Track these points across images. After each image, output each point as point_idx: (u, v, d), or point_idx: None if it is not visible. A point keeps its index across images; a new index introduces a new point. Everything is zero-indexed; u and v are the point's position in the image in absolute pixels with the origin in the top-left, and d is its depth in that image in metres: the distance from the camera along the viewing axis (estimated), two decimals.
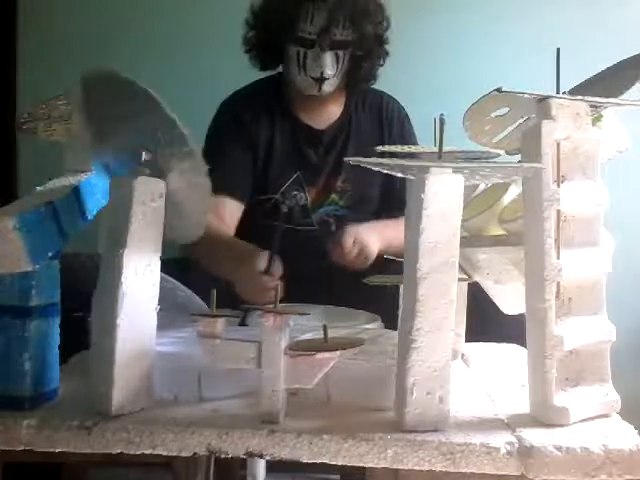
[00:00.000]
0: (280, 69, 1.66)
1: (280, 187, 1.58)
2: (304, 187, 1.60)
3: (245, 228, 1.57)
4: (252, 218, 1.58)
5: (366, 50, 1.59)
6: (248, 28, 1.64)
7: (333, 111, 1.65)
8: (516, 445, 0.71)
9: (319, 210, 1.61)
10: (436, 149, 0.80)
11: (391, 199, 1.61)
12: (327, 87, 1.56)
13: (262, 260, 1.27)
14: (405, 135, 1.65)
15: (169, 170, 0.80)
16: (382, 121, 1.66)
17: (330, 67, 1.53)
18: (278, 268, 1.28)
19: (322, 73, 1.53)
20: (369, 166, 0.77)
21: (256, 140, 1.60)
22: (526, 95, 0.79)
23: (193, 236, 0.90)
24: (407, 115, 1.69)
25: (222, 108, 1.65)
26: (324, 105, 1.64)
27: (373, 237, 1.46)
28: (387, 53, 1.65)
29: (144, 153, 0.80)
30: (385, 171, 0.77)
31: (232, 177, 1.53)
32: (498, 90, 0.77)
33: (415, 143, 1.62)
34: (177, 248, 1.50)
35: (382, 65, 1.65)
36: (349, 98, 1.67)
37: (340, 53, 1.54)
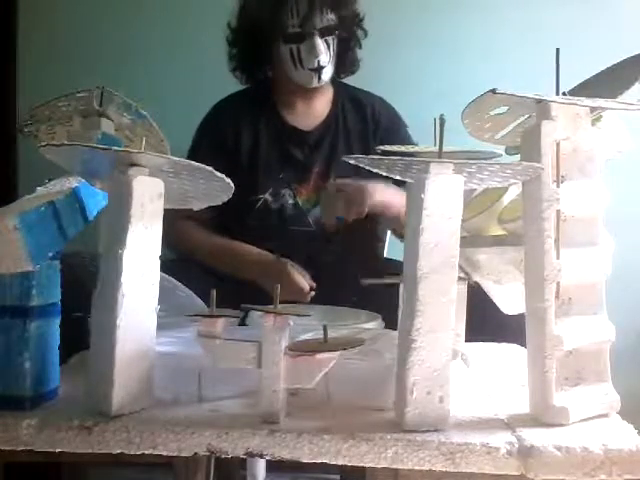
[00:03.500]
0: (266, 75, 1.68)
1: (267, 187, 1.59)
2: (292, 186, 1.60)
3: (236, 229, 1.58)
4: (242, 219, 1.59)
5: (349, 31, 1.63)
6: (231, 47, 1.65)
7: (320, 112, 1.67)
8: (516, 445, 0.71)
9: (314, 210, 1.61)
10: (436, 149, 0.80)
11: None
12: (325, 76, 1.59)
13: (295, 271, 1.45)
14: (395, 137, 1.64)
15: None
16: (368, 121, 1.67)
17: (324, 54, 1.56)
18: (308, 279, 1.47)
19: (319, 62, 1.55)
20: (368, 167, 0.77)
21: (236, 144, 1.61)
22: (521, 96, 0.79)
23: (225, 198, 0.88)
24: (397, 115, 1.70)
25: (203, 120, 1.68)
26: (311, 104, 1.66)
27: (367, 188, 1.47)
28: (365, 34, 1.67)
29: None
30: (384, 173, 0.77)
31: None
32: (493, 91, 0.77)
33: (409, 144, 1.63)
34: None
35: (360, 48, 1.68)
36: (336, 96, 1.68)
37: (329, 39, 1.57)
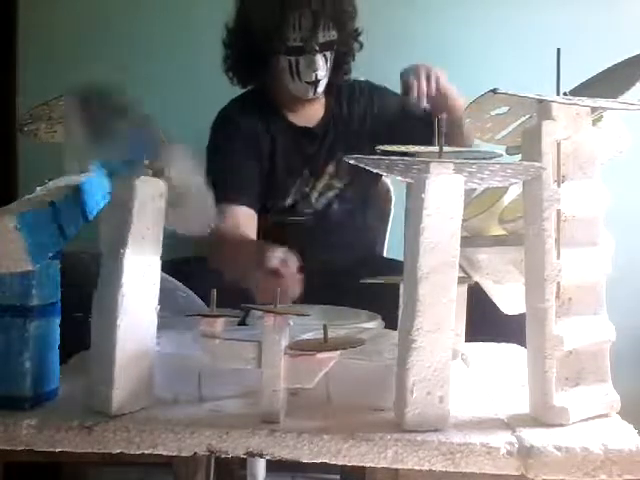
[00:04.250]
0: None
1: (290, 187, 1.63)
2: (309, 182, 1.65)
3: (259, 229, 1.59)
4: (267, 219, 1.61)
5: (348, 46, 1.65)
6: (226, 48, 1.66)
7: (317, 109, 1.71)
8: (516, 445, 0.71)
9: (321, 197, 1.64)
10: (436, 149, 0.80)
11: None
12: (320, 88, 1.62)
13: (271, 257, 1.22)
14: (377, 99, 1.70)
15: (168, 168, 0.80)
16: (355, 103, 1.71)
17: (322, 69, 1.58)
18: (293, 263, 1.24)
19: (316, 76, 1.57)
20: (368, 167, 0.77)
21: (259, 146, 1.63)
22: (522, 96, 0.78)
23: (201, 230, 0.87)
24: (371, 83, 1.73)
25: (220, 118, 1.67)
26: (309, 105, 1.69)
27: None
28: (361, 46, 1.69)
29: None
30: (384, 173, 0.77)
31: (243, 186, 1.57)
32: (493, 91, 0.77)
33: (387, 94, 1.68)
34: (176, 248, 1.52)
35: (354, 60, 1.70)
36: (329, 94, 1.70)
37: (327, 54, 1.59)
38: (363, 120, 1.69)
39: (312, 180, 1.65)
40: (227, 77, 1.70)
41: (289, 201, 1.63)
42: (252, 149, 1.62)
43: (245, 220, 1.56)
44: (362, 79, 1.75)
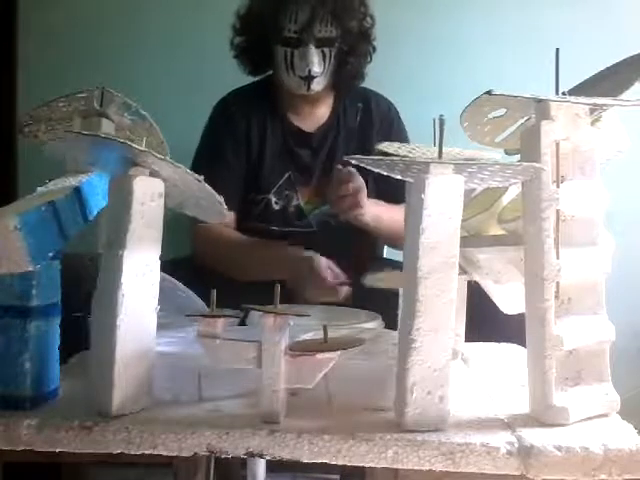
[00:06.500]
0: (271, 72, 1.69)
1: (272, 187, 1.59)
2: (295, 187, 1.61)
3: (238, 229, 1.58)
4: (244, 219, 1.59)
5: (351, 46, 1.61)
6: (235, 34, 1.66)
7: (322, 112, 1.67)
8: (516, 445, 0.71)
9: (316, 211, 1.61)
10: (436, 150, 0.80)
11: (388, 194, 1.62)
12: (315, 85, 1.58)
13: (322, 263, 1.43)
14: (394, 133, 1.64)
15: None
16: (371, 120, 1.67)
17: (317, 65, 1.55)
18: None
19: (309, 71, 1.55)
20: (368, 167, 0.77)
21: (248, 140, 1.62)
22: (516, 97, 0.78)
23: (217, 219, 0.90)
24: (397, 113, 1.70)
25: (216, 109, 1.67)
26: (313, 106, 1.66)
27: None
28: (374, 49, 1.67)
29: None
30: (385, 173, 0.77)
31: (224, 182, 1.54)
32: (488, 93, 0.76)
33: (406, 141, 1.62)
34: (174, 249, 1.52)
35: (370, 62, 1.67)
36: (337, 98, 1.68)
37: (326, 50, 1.56)
38: (365, 140, 1.64)
39: (300, 187, 1.61)
40: (237, 63, 1.69)
41: (275, 207, 1.60)
42: (238, 142, 1.61)
43: (229, 221, 1.57)
44: (386, 98, 1.70)
